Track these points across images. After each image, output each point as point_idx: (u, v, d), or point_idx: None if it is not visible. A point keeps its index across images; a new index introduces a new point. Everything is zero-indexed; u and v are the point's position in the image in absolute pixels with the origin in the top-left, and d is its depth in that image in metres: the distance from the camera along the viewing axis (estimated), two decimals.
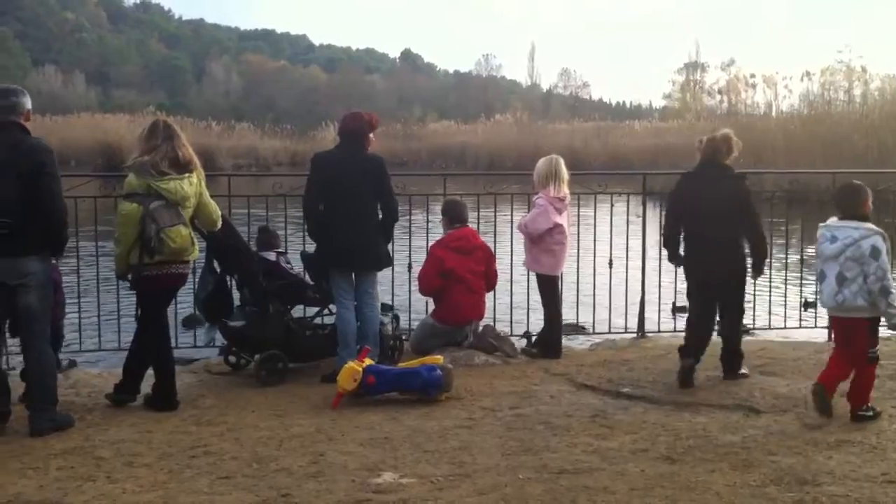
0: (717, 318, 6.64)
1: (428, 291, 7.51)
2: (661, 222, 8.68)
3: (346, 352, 6.51)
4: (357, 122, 6.84)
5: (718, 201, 6.35)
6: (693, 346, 6.47)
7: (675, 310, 9.01)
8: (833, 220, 5.56)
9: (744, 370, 6.60)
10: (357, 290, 6.74)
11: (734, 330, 6.63)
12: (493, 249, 7.95)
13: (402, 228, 8.20)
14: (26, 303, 5.32)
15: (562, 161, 7.65)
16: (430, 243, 7.75)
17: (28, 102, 5.48)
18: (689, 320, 6.71)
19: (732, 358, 6.59)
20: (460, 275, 7.32)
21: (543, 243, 7.51)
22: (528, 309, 8.46)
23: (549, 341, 7.64)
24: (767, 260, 6.71)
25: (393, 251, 8.12)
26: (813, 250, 8.63)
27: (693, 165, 6.72)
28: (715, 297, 6.52)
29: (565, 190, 7.58)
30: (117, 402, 5.96)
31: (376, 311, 6.91)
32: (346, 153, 6.74)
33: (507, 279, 8.24)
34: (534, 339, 7.90)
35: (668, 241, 6.74)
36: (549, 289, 7.65)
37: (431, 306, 7.70)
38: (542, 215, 7.42)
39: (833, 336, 6.38)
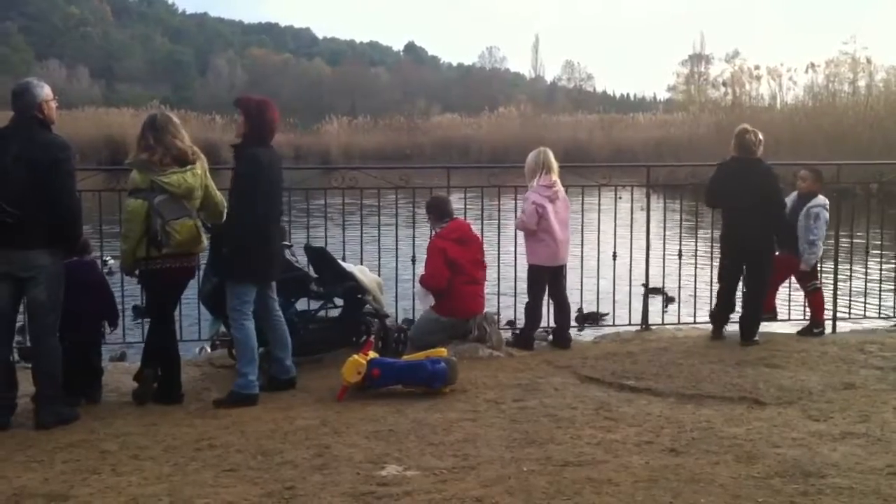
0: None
1: (440, 283, 7.23)
2: (665, 214, 8.72)
3: (251, 368, 5.94)
4: (276, 115, 6.16)
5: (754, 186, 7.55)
6: (724, 314, 7.81)
7: (648, 292, 9.07)
8: None
9: (756, 338, 7.59)
10: (265, 299, 6.19)
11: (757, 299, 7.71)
12: (497, 241, 7.93)
13: (406, 222, 8.22)
14: (35, 296, 5.35)
15: (549, 151, 7.71)
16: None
17: (41, 93, 5.39)
18: (719, 292, 7.85)
19: (752, 325, 7.62)
20: (462, 265, 7.29)
21: (534, 234, 7.54)
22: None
23: (522, 334, 7.70)
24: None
25: (397, 245, 8.14)
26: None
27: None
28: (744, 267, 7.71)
29: (553, 177, 7.60)
30: (141, 395, 5.96)
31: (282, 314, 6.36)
32: (273, 153, 6.11)
33: (511, 273, 8.25)
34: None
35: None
36: (533, 280, 7.66)
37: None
38: (530, 209, 7.49)
39: None
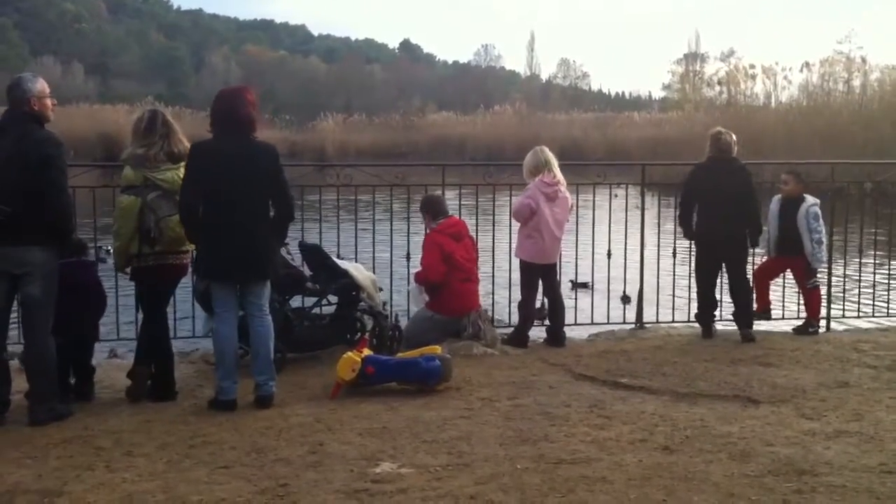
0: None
1: (436, 278, 7.24)
2: (660, 213, 8.75)
3: (223, 372, 5.68)
4: (244, 105, 5.64)
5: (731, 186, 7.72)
6: (709, 312, 7.93)
7: (575, 286, 9.05)
8: None
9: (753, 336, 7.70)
10: (247, 304, 5.80)
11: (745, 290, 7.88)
12: (493, 239, 7.91)
13: (401, 219, 8.22)
14: (29, 292, 5.33)
15: (546, 149, 7.71)
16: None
17: (32, 87, 5.36)
18: (700, 292, 8.00)
19: (745, 315, 7.77)
20: (458, 261, 7.29)
21: (525, 228, 7.53)
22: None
23: (516, 331, 7.69)
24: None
25: (392, 243, 8.13)
26: None
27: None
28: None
29: (556, 175, 7.58)
30: (135, 392, 5.93)
31: (268, 325, 5.86)
32: (228, 143, 5.58)
33: (506, 269, 8.25)
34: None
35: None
36: (525, 277, 7.67)
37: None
38: (525, 203, 7.47)
39: None
